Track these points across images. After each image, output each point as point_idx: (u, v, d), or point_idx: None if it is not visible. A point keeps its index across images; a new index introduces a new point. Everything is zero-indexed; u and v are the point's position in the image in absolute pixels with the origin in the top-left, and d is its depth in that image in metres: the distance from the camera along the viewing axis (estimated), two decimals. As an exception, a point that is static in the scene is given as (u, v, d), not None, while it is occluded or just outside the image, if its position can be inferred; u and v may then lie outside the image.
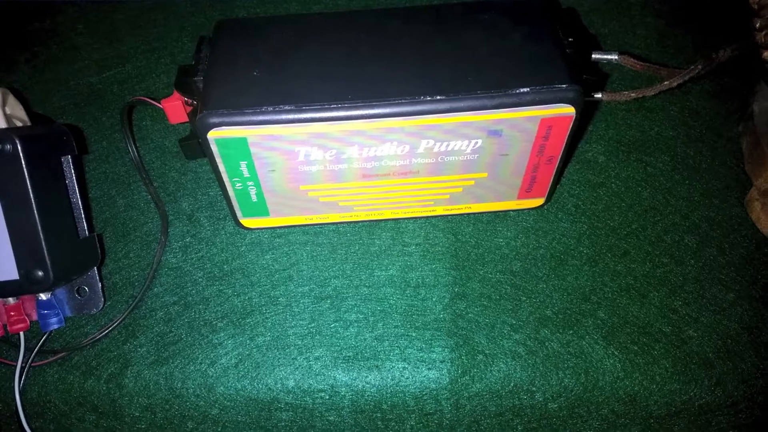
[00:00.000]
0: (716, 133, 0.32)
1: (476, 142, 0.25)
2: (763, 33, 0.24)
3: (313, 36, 0.26)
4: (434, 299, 0.27)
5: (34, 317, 0.28)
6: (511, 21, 0.26)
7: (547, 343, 0.26)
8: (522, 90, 0.23)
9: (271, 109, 0.24)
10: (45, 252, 0.24)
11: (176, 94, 0.28)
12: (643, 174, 0.31)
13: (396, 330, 0.27)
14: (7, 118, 0.28)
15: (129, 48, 0.38)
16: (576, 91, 0.23)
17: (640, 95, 0.30)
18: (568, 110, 0.24)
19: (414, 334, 0.27)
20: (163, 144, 0.33)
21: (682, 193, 0.30)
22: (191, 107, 0.28)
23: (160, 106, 0.29)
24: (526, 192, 0.28)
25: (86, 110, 0.35)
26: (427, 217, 0.30)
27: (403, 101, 0.23)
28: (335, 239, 0.30)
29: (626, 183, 0.31)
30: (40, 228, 0.24)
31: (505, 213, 0.30)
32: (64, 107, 0.35)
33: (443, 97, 0.23)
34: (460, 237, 0.29)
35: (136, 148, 0.32)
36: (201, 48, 0.27)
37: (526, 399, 0.25)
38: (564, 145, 0.26)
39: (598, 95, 0.29)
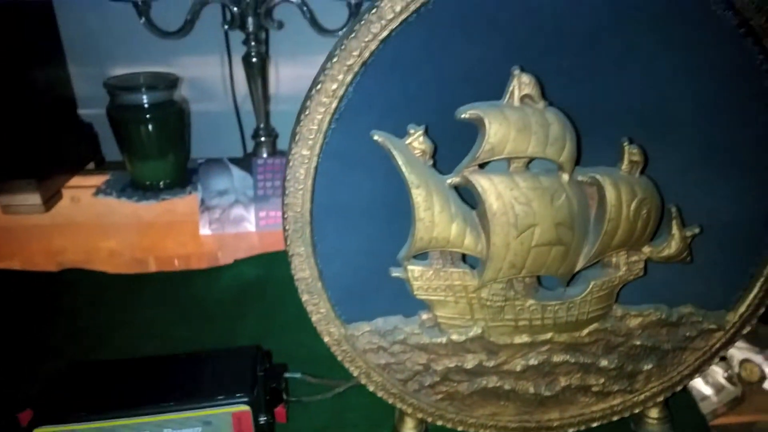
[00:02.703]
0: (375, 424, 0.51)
1: (197, 430, 0.43)
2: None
3: (119, 371, 0.46)
4: None
5: None
6: (230, 360, 0.47)
7: None
8: (220, 398, 0.43)
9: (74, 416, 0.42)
10: None
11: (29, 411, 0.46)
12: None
13: None
14: None
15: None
16: (250, 398, 0.43)
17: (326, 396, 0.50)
18: (247, 408, 0.43)
19: None
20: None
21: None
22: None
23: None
24: (243, 461, 0.45)
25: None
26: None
27: (153, 407, 0.42)
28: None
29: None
30: None
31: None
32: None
33: (175, 404, 0.43)
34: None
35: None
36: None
37: None
38: (252, 430, 0.44)
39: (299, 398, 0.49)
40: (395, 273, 0.41)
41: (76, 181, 0.94)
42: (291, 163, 0.38)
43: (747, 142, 0.41)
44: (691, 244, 0.42)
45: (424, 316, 0.43)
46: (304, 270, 0.41)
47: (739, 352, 0.60)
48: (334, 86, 0.36)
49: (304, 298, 0.41)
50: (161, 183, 0.89)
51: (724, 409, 0.55)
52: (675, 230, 0.42)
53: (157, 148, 0.87)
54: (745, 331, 0.45)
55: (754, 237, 0.43)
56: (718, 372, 0.58)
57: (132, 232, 0.85)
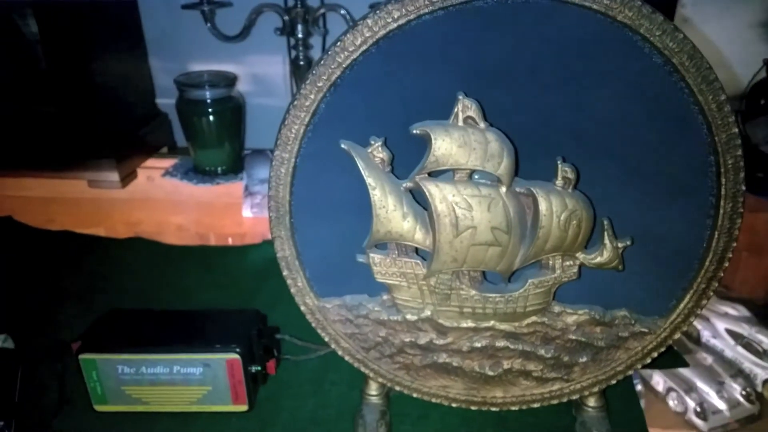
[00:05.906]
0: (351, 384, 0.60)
1: (199, 369, 0.54)
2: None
3: (147, 319, 0.58)
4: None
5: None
6: (232, 318, 0.58)
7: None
8: (218, 347, 0.53)
9: (109, 348, 0.54)
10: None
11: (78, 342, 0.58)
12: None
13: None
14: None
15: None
16: (241, 349, 0.53)
17: (310, 357, 0.59)
18: (237, 357, 0.53)
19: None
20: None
21: None
22: (84, 346, 0.58)
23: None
24: (235, 400, 0.56)
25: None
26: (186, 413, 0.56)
27: (166, 347, 0.54)
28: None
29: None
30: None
31: (227, 413, 0.56)
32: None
33: (183, 347, 0.53)
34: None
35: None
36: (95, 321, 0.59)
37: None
38: (243, 376, 0.54)
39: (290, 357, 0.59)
40: (360, 259, 0.50)
41: (150, 162, 1.09)
42: (273, 164, 0.47)
43: (675, 165, 0.45)
44: (623, 255, 0.47)
45: (385, 296, 0.51)
46: (284, 250, 0.50)
47: (763, 371, 0.60)
48: (308, 103, 0.45)
49: (285, 273, 0.51)
50: (219, 169, 1.02)
51: (735, 425, 0.57)
52: (607, 241, 0.47)
53: (216, 138, 0.99)
54: (676, 336, 0.50)
55: (686, 251, 0.48)
56: (735, 388, 0.59)
57: (189, 210, 0.98)
